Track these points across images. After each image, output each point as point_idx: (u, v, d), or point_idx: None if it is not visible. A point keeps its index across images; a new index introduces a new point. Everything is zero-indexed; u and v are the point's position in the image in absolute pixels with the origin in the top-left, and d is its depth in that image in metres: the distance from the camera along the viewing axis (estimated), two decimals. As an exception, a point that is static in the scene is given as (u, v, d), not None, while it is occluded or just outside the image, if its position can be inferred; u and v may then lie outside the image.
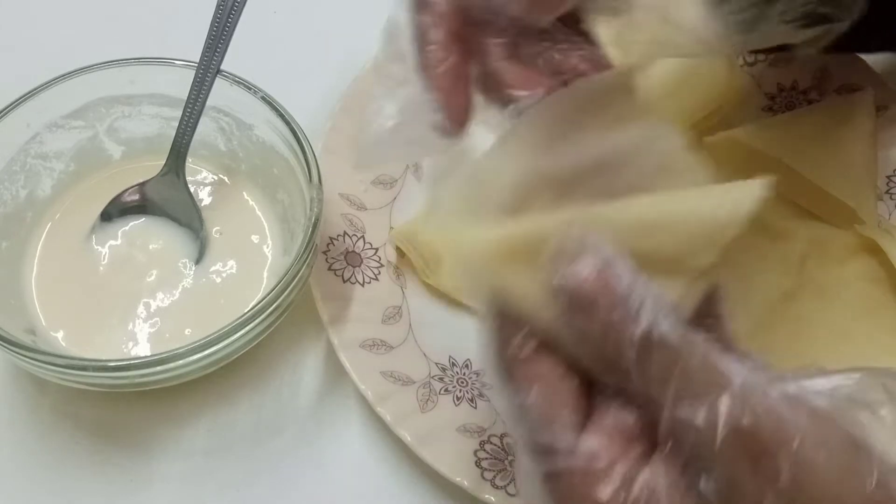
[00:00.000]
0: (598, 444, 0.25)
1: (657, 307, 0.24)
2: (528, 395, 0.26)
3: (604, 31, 0.31)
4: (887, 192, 0.51)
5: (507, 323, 0.26)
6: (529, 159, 0.28)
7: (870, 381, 0.24)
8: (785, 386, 0.24)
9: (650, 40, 0.46)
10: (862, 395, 0.24)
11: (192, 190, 0.47)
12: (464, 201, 0.28)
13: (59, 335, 0.44)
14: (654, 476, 0.24)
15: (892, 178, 0.51)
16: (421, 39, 0.30)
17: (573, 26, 0.31)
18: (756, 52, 0.55)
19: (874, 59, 0.53)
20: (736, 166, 0.51)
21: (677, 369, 0.24)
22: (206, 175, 0.49)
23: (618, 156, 0.28)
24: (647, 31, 0.45)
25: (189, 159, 0.47)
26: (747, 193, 0.26)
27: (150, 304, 0.45)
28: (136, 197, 0.47)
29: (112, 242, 0.47)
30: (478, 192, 0.28)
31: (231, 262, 0.47)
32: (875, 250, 0.47)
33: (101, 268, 0.46)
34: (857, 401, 0.24)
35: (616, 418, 0.25)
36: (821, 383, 0.24)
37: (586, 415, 0.26)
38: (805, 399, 0.23)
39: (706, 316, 0.27)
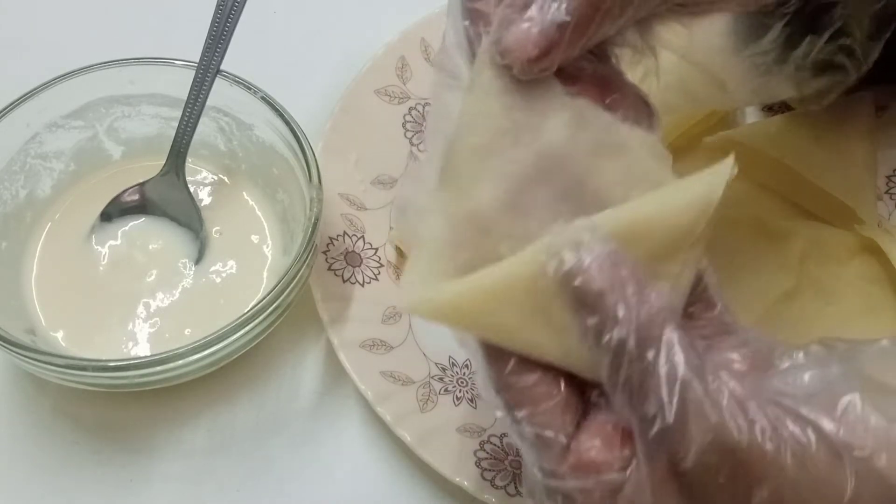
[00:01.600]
0: (589, 444, 0.26)
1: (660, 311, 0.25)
2: (524, 412, 0.26)
3: (629, 74, 0.31)
4: (887, 192, 0.51)
5: (497, 351, 0.27)
6: (461, 200, 0.28)
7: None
8: (768, 394, 0.25)
9: (669, 86, 0.46)
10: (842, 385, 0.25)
11: (192, 190, 0.47)
12: (430, 272, 0.28)
13: (59, 335, 0.44)
14: (638, 478, 0.25)
15: (892, 178, 0.51)
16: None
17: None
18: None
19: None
20: (736, 166, 0.51)
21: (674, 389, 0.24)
22: (206, 175, 0.49)
23: (562, 160, 0.28)
24: (670, 75, 0.45)
25: (189, 159, 0.47)
26: (717, 176, 0.27)
27: (150, 304, 0.45)
28: (136, 197, 0.47)
29: (112, 242, 0.47)
30: (435, 262, 0.28)
31: (231, 262, 0.47)
32: (875, 250, 0.47)
33: (101, 268, 0.46)
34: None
35: (606, 419, 0.26)
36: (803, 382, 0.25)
37: (580, 414, 0.26)
38: (784, 409, 0.24)
39: (696, 301, 0.28)
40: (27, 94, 0.44)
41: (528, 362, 0.26)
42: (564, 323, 0.26)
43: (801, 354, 0.26)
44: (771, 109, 0.54)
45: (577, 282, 0.25)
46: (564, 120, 0.28)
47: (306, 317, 0.46)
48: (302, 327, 0.47)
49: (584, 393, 0.27)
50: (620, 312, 0.24)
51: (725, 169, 0.27)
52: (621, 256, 0.25)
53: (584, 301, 0.25)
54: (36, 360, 0.38)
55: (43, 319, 0.44)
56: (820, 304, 0.47)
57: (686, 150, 0.52)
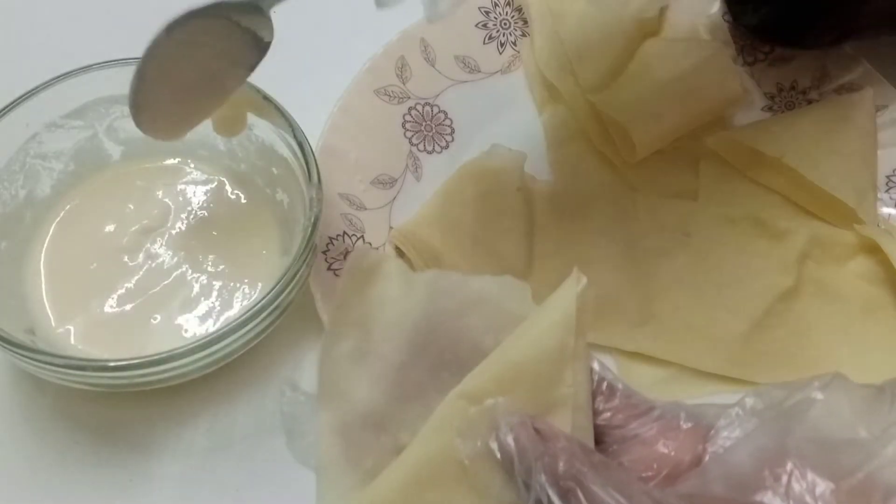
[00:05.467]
0: None
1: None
2: None
3: None
4: (887, 191, 0.51)
5: None
6: (346, 408, 0.29)
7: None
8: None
9: None
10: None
11: (191, 190, 0.47)
12: (342, 490, 0.29)
13: (66, 332, 0.44)
14: None
15: (892, 178, 0.51)
16: None
17: None
18: (755, 51, 0.55)
19: (874, 59, 0.54)
20: (736, 166, 0.51)
21: None
22: (205, 175, 0.49)
23: (432, 334, 0.30)
24: None
25: (188, 160, 0.47)
26: (568, 292, 0.28)
27: (151, 303, 0.45)
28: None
29: (118, 241, 0.47)
30: (344, 478, 0.29)
31: (230, 262, 0.46)
32: (875, 250, 0.47)
33: (106, 267, 0.46)
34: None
35: None
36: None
37: None
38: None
39: (598, 395, 0.29)
40: (27, 94, 0.44)
41: None
42: (487, 487, 0.26)
43: (737, 412, 0.27)
44: (771, 110, 0.54)
45: (489, 459, 0.26)
46: (422, 296, 0.30)
47: (306, 317, 0.46)
48: (302, 327, 0.47)
49: None
50: (531, 477, 0.25)
51: (573, 283, 0.28)
52: (522, 422, 0.26)
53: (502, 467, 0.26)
54: (36, 360, 0.38)
55: (52, 319, 0.44)
56: (820, 304, 0.47)
57: (686, 150, 0.52)
